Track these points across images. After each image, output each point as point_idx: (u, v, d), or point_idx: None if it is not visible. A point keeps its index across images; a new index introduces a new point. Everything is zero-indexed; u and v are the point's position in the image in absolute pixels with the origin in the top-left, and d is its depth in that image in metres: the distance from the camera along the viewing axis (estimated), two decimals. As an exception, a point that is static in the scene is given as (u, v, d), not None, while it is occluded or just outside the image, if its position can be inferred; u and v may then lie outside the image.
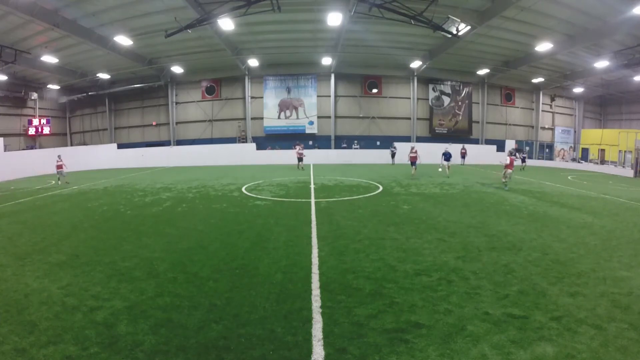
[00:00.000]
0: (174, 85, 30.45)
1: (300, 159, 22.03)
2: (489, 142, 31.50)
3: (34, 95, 27.84)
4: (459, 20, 15.64)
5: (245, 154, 28.22)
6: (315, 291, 4.44)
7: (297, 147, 22.73)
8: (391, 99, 30.58)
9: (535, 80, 30.31)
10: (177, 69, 27.55)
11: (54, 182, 16.77)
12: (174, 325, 3.66)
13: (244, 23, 19.32)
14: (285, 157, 27.08)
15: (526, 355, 3.09)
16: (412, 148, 18.19)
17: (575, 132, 35.62)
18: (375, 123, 30.64)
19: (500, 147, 30.45)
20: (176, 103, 30.87)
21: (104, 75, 26.81)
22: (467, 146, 28.39)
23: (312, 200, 10.91)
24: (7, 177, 19.80)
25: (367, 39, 22.36)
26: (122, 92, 30.38)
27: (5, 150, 21.66)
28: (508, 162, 13.63)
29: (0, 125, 26.25)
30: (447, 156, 18.19)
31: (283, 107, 29.84)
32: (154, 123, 31.44)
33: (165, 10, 17.70)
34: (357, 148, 29.85)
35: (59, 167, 16.63)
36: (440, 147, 29.18)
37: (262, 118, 30.04)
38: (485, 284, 4.62)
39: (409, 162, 18.03)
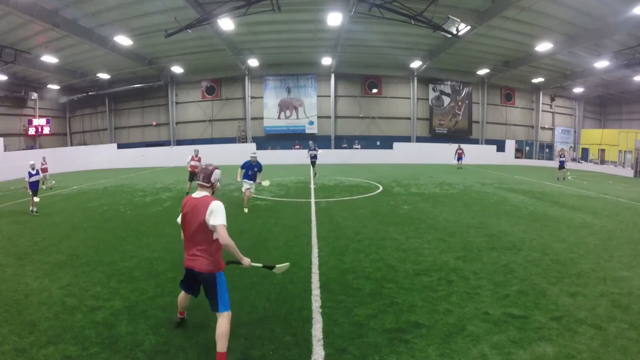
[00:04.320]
0: (174, 85, 30.44)
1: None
2: (489, 142, 31.49)
3: (34, 95, 27.81)
4: (459, 20, 15.64)
5: (246, 154, 28.09)
6: (315, 291, 4.44)
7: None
8: (391, 99, 30.57)
9: (535, 80, 30.30)
10: (177, 69, 27.54)
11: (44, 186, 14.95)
12: (173, 326, 3.66)
13: (244, 23, 19.31)
14: (285, 157, 27.16)
15: (526, 355, 3.09)
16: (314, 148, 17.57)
17: (575, 132, 35.61)
18: (376, 123, 30.63)
19: (501, 147, 30.49)
20: (176, 103, 30.86)
21: (104, 75, 26.81)
22: (465, 146, 25.38)
23: (312, 200, 10.91)
24: (7, 177, 19.80)
25: (367, 39, 22.35)
26: (122, 92, 30.36)
27: (5, 150, 21.65)
28: None
29: (0, 125, 26.25)
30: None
31: (283, 107, 29.83)
32: (154, 123, 31.43)
33: (165, 10, 17.70)
34: (357, 148, 29.81)
35: (44, 170, 14.95)
36: (440, 147, 29.61)
37: (262, 118, 30.03)
38: (485, 284, 4.62)
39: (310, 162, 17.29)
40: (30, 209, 9.50)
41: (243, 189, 9.65)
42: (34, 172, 9.65)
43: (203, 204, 3.00)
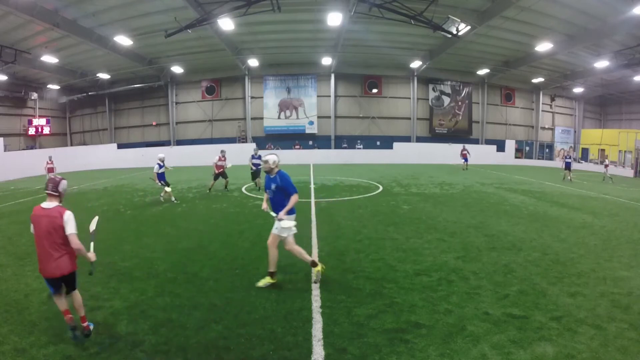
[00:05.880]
0: (174, 85, 30.44)
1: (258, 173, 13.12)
2: (489, 142, 31.49)
3: (34, 95, 27.80)
4: (459, 20, 15.64)
5: (246, 154, 28.11)
6: (315, 291, 4.44)
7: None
8: (391, 99, 30.57)
9: (535, 80, 30.29)
10: (177, 69, 27.54)
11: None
12: (173, 325, 3.65)
13: (244, 23, 19.31)
14: (285, 157, 27.17)
15: (526, 355, 3.09)
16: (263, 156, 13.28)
17: (575, 132, 35.62)
18: (376, 123, 30.63)
19: (501, 147, 30.49)
20: (176, 103, 30.86)
21: (104, 75, 26.80)
22: (468, 146, 24.68)
23: (312, 200, 10.91)
24: (7, 177, 19.80)
25: (367, 39, 22.34)
26: (122, 92, 30.36)
27: (5, 150, 21.64)
28: None
29: (0, 125, 26.24)
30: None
31: (283, 107, 29.84)
32: (154, 123, 31.43)
33: (165, 10, 17.69)
34: (360, 148, 29.79)
35: (50, 170, 14.81)
36: (440, 147, 29.63)
37: (262, 118, 30.03)
38: (485, 284, 4.62)
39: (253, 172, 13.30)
40: (172, 199, 10.72)
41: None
42: (162, 164, 10.81)
43: (58, 212, 3.33)
